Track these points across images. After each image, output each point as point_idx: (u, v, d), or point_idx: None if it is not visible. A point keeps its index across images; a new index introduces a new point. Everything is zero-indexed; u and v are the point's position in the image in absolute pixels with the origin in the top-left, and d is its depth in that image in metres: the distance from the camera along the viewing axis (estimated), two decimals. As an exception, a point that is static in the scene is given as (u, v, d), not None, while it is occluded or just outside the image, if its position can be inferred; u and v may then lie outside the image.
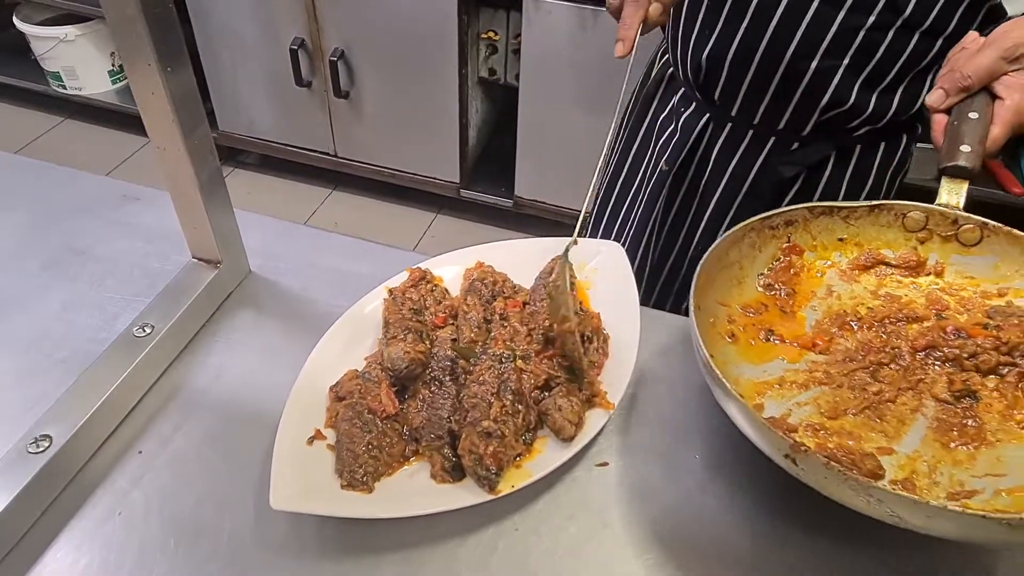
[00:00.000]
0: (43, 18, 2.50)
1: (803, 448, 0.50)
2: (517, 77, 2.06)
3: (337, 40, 2.11)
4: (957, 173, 0.66)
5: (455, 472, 0.60)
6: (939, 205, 0.67)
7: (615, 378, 0.66)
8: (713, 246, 0.65)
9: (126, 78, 2.34)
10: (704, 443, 0.67)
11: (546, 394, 0.64)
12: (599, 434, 0.62)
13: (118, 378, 0.65)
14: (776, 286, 0.70)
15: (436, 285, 0.74)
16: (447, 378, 0.65)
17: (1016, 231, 0.65)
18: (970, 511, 0.46)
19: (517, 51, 2.02)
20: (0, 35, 2.72)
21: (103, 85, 2.59)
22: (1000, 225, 0.66)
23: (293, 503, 0.57)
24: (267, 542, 0.59)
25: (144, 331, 0.69)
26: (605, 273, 0.75)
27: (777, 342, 0.67)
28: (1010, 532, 0.46)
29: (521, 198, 2.26)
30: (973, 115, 0.65)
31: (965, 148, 0.64)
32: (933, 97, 0.68)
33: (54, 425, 0.61)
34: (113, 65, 2.57)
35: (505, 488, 0.58)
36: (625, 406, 0.68)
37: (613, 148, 1.12)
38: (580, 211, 0.77)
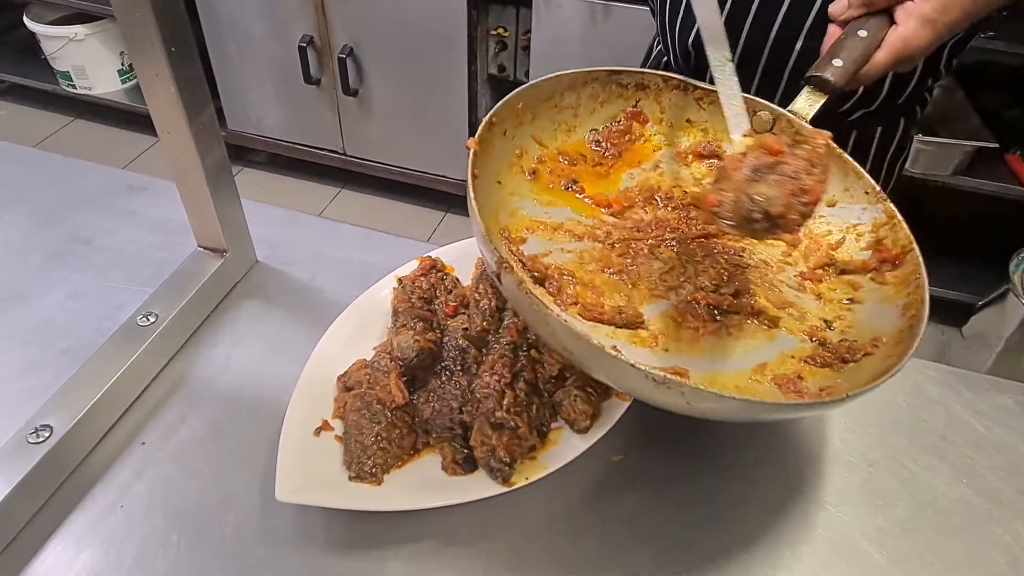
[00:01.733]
0: (53, 18, 2.50)
1: (506, 265, 0.49)
2: (527, 74, 2.04)
3: (346, 37, 2.09)
4: (818, 84, 0.62)
5: (467, 464, 0.58)
6: (790, 111, 0.64)
7: (632, 368, 0.64)
8: (543, 78, 0.62)
9: (135, 78, 2.34)
10: (728, 437, 0.64)
11: (560, 385, 0.62)
12: (615, 426, 0.60)
13: (121, 367, 0.63)
14: (605, 145, 0.67)
15: (447, 274, 0.72)
16: (458, 368, 0.63)
17: (847, 157, 0.63)
18: (622, 358, 0.45)
19: (527, 48, 2.00)
20: (11, 35, 2.73)
21: (113, 85, 2.59)
22: (835, 147, 0.63)
23: (299, 495, 0.55)
24: (272, 536, 0.57)
25: (148, 320, 0.67)
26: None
27: (577, 194, 0.64)
28: (656, 390, 0.45)
29: (531, 196, 2.24)
30: (862, 33, 0.62)
31: (837, 62, 0.61)
32: (835, 6, 0.65)
33: (55, 415, 0.59)
34: (123, 64, 2.56)
35: (519, 481, 0.56)
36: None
37: None
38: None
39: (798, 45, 0.78)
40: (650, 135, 0.69)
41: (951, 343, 1.80)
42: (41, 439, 0.58)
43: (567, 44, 1.90)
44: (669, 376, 0.45)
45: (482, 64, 2.09)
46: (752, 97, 0.66)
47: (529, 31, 1.94)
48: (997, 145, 1.74)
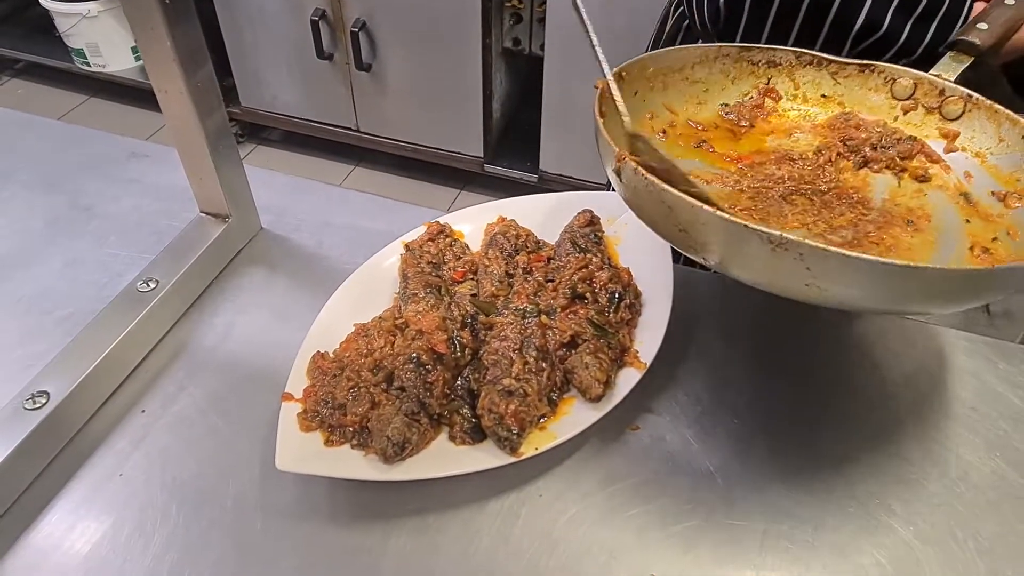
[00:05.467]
0: (68, -5, 2.49)
1: (624, 158, 0.47)
2: (542, 47, 2.00)
3: (359, 10, 2.06)
4: (963, 48, 0.62)
5: (474, 434, 0.56)
6: (931, 74, 0.64)
7: (647, 336, 0.61)
8: (671, 48, 0.62)
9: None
10: (744, 407, 0.62)
11: (572, 352, 0.59)
12: (630, 395, 0.58)
13: (120, 334, 0.62)
14: (737, 116, 0.66)
15: (455, 239, 0.70)
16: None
17: (998, 106, 0.61)
18: (737, 220, 0.41)
19: (542, 20, 1.96)
20: (26, 13, 2.73)
21: (127, 62, 2.57)
22: (984, 99, 0.61)
23: (301, 464, 0.53)
24: (273, 507, 0.55)
25: (149, 286, 0.65)
26: (636, 227, 0.70)
27: (707, 150, 0.63)
28: (772, 258, 0.41)
29: (546, 172, 2.20)
30: (1010, 1, 0.63)
31: (982, 26, 0.61)
32: None
33: (52, 381, 0.58)
34: (136, 41, 2.55)
35: (528, 450, 0.54)
36: (658, 366, 0.63)
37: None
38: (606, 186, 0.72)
39: None
40: (784, 111, 0.68)
41: (977, 321, 1.75)
42: (38, 405, 0.56)
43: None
44: (787, 235, 0.39)
45: (497, 37, 2.05)
46: (891, 65, 0.65)
47: (545, 3, 1.90)
48: (1030, 116, 1.68)
